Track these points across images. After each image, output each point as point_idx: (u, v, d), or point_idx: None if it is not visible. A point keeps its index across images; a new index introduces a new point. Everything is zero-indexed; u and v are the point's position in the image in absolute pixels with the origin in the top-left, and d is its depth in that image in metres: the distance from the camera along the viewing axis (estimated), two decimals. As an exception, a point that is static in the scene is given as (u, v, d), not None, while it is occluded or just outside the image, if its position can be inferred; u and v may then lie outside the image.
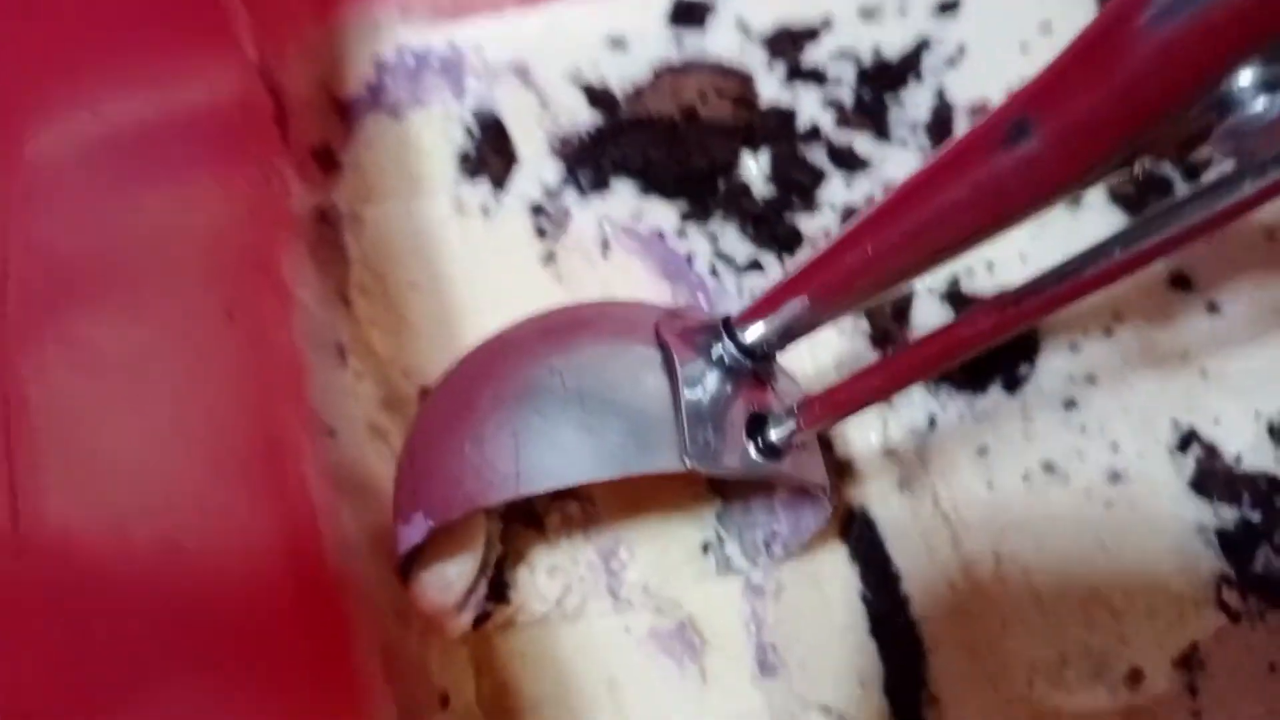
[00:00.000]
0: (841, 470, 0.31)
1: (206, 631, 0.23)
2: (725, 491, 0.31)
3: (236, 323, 0.29)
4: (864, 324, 0.33)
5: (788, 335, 0.25)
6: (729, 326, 0.25)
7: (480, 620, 0.30)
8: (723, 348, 0.25)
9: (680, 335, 0.25)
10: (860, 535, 0.30)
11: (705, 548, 0.31)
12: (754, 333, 0.25)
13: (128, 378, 0.23)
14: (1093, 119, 0.18)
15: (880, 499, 0.31)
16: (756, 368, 0.25)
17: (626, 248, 0.35)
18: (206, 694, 0.22)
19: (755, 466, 0.25)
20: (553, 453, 0.24)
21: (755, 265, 0.34)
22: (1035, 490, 0.30)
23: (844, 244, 0.22)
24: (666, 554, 0.31)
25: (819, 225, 0.34)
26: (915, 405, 0.31)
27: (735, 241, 0.34)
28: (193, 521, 0.24)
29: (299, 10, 0.39)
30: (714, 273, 0.34)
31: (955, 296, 0.33)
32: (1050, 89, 0.18)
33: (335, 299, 0.34)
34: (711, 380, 0.25)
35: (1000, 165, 0.19)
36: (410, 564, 0.28)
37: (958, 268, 0.33)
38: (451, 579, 0.29)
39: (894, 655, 0.29)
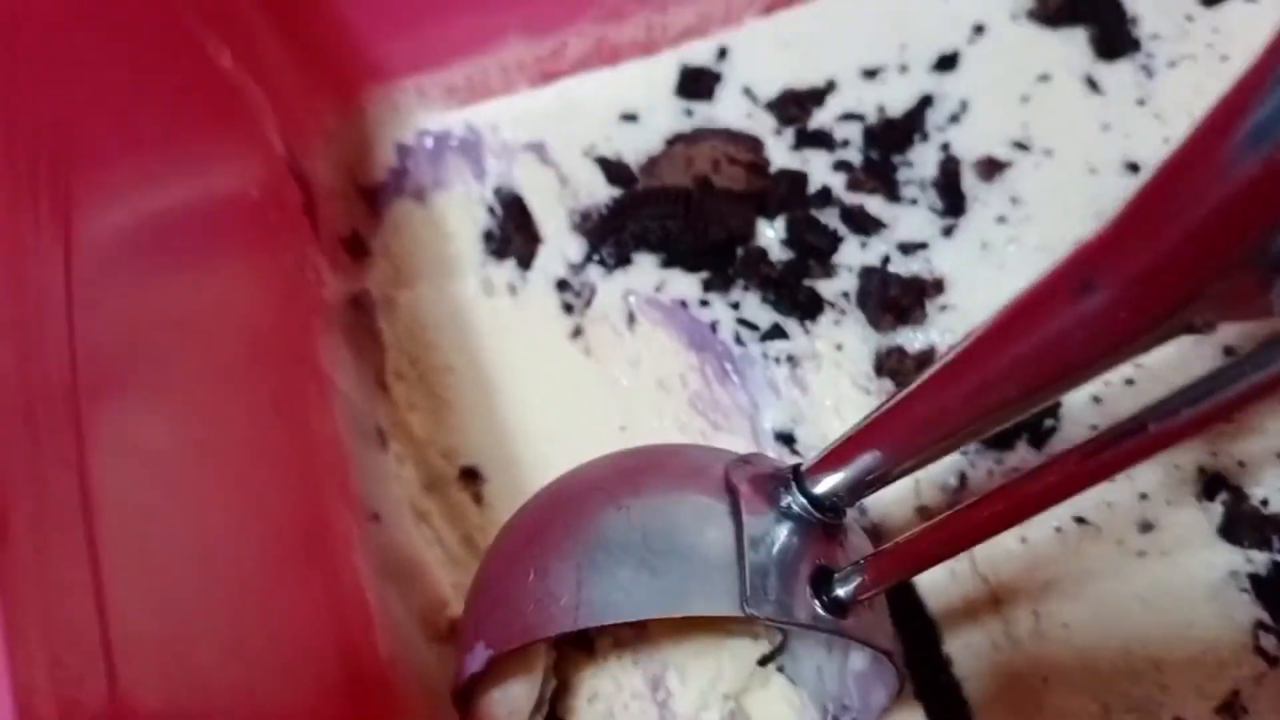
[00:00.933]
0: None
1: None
2: (788, 647, 0.31)
3: (282, 413, 0.30)
4: (888, 383, 0.33)
5: (858, 488, 0.25)
6: (799, 477, 0.25)
7: None
8: (792, 498, 0.25)
9: (750, 482, 0.26)
10: (901, 599, 0.31)
11: (763, 661, 0.31)
12: (824, 485, 0.25)
13: (186, 475, 0.24)
14: (1159, 267, 0.17)
15: (934, 585, 0.31)
16: (825, 520, 0.25)
17: (651, 319, 0.35)
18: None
19: (819, 620, 0.25)
20: (613, 588, 0.25)
21: (778, 331, 0.34)
22: (1069, 543, 0.30)
23: (912, 398, 0.23)
24: (720, 675, 0.31)
25: (837, 289, 0.35)
26: (944, 464, 0.32)
27: (757, 308, 0.35)
28: (256, 621, 0.25)
29: (321, 101, 0.40)
30: (738, 340, 0.34)
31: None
32: (1116, 240, 0.18)
33: (373, 385, 0.35)
34: (779, 530, 0.25)
35: (1067, 321, 0.19)
36: (468, 694, 0.28)
37: (975, 321, 0.34)
38: (509, 713, 0.29)
39: (939, 715, 0.30)
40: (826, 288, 0.35)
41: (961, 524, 0.23)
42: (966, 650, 0.30)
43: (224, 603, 0.24)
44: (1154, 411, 0.20)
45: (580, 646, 0.31)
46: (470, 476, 0.35)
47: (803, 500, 0.25)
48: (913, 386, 0.23)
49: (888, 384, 0.33)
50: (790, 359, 0.34)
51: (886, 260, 0.35)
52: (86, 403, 0.20)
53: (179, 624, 0.21)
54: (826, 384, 0.33)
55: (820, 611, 0.25)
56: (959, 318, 0.34)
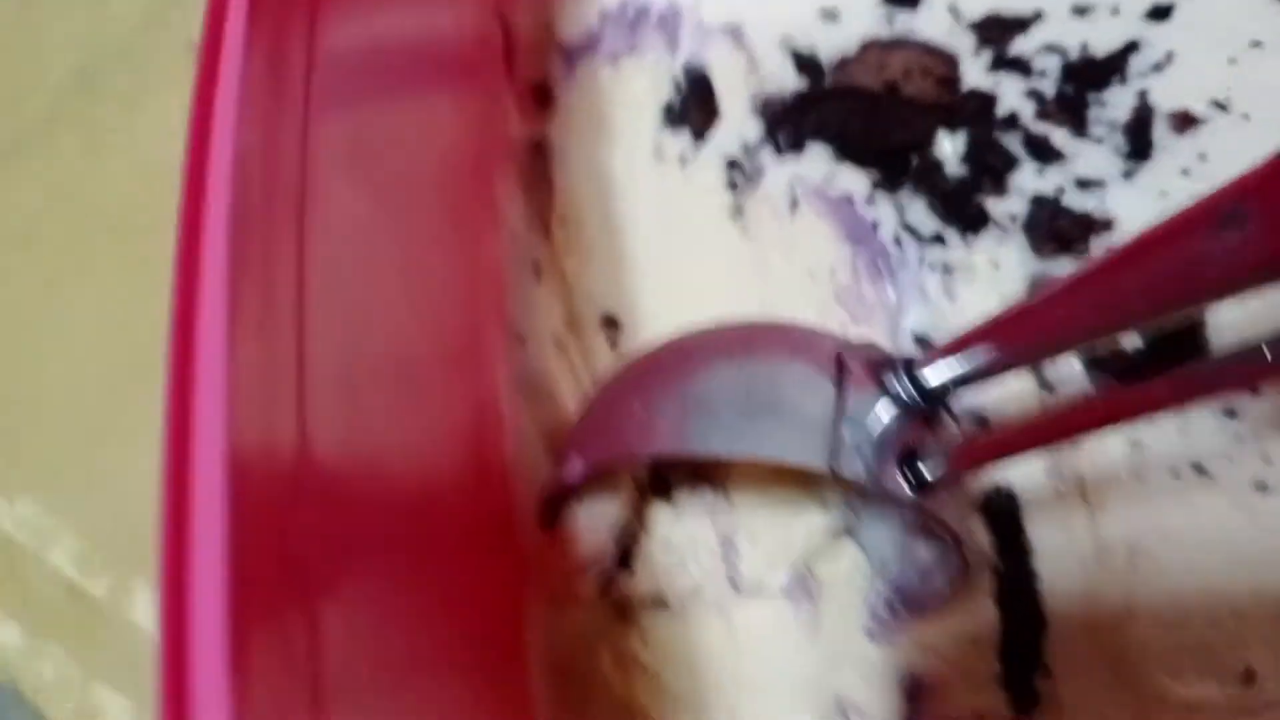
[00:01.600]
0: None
1: (404, 513, 0.26)
2: (854, 531, 0.33)
3: (459, 232, 0.32)
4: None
5: (964, 381, 0.26)
6: (910, 365, 0.27)
7: (605, 586, 0.32)
8: (899, 384, 0.27)
9: (860, 362, 0.27)
10: (1000, 504, 0.32)
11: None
12: (935, 375, 0.26)
13: (377, 264, 0.26)
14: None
15: (1026, 474, 0.32)
16: (926, 409, 0.27)
17: (814, 208, 0.36)
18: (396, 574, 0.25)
19: (898, 491, 0.26)
20: (713, 426, 0.27)
21: (938, 239, 0.35)
22: (1182, 488, 0.30)
23: (1042, 304, 0.24)
24: (790, 543, 0.33)
25: (1006, 210, 0.35)
26: (1074, 387, 0.32)
27: (922, 215, 0.35)
28: (413, 402, 0.27)
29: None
30: (897, 242, 0.35)
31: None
32: (1271, 173, 0.19)
33: (537, 224, 0.37)
34: (878, 409, 0.27)
35: (1211, 245, 0.20)
36: (553, 510, 0.30)
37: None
38: (590, 532, 0.32)
39: (1014, 622, 0.30)
40: (995, 206, 0.35)
41: (1056, 421, 0.24)
42: (1055, 568, 0.31)
43: (391, 380, 0.26)
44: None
45: (661, 494, 0.33)
46: (610, 324, 0.36)
47: (909, 386, 0.26)
48: (1043, 293, 0.23)
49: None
50: (945, 267, 0.34)
51: (1061, 192, 0.35)
52: (310, 186, 0.23)
53: (354, 391, 0.23)
54: (976, 297, 0.34)
55: (902, 484, 0.26)
56: (1120, 259, 0.34)
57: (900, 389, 0.26)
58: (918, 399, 0.26)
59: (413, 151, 0.31)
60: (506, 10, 0.40)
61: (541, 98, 0.40)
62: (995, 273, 0.34)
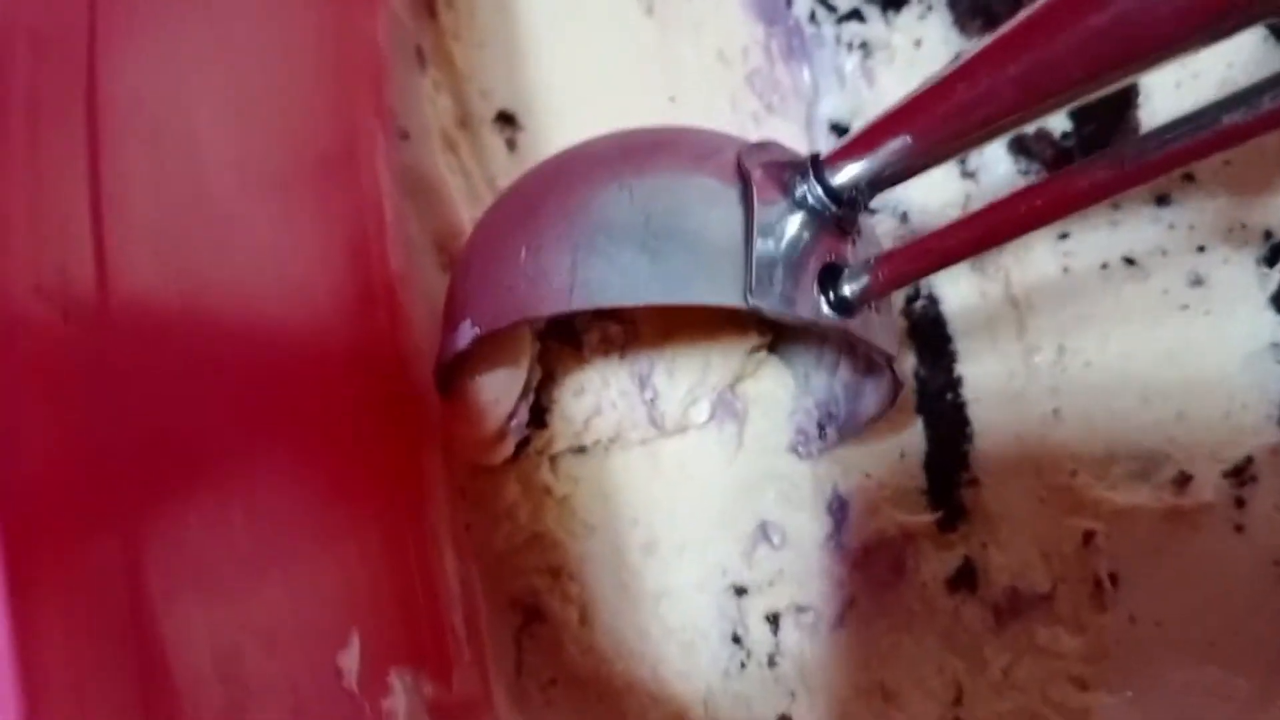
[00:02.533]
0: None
1: (275, 328, 0.23)
2: (778, 347, 0.31)
3: (328, 10, 0.28)
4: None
5: (879, 182, 0.23)
6: (817, 165, 0.23)
7: (519, 446, 0.29)
8: (807, 188, 0.23)
9: (763, 168, 0.24)
10: (923, 311, 0.30)
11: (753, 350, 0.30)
12: (845, 175, 0.23)
13: (204, 58, 0.23)
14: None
15: (949, 276, 0.30)
16: (840, 215, 0.23)
17: (725, -17, 0.33)
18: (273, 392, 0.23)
19: (822, 318, 0.23)
20: (611, 271, 0.23)
21: (856, 15, 0.32)
22: (1112, 282, 0.29)
23: (957, 76, 0.20)
24: (708, 369, 0.30)
25: (931, -19, 0.32)
26: (999, 180, 0.30)
27: (840, -11, 0.32)
28: (266, 216, 0.24)
29: None
30: (812, 18, 0.32)
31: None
32: None
33: (421, 6, 0.33)
34: (790, 221, 0.23)
35: None
36: (450, 378, 0.27)
37: None
38: (494, 399, 0.28)
39: (939, 433, 0.29)
40: (916, -23, 0.32)
41: (986, 222, 0.22)
42: (981, 373, 0.29)
43: (242, 188, 0.23)
44: (1229, 104, 0.18)
45: (566, 340, 0.30)
46: (506, 121, 0.33)
47: (819, 191, 0.23)
48: (957, 65, 0.20)
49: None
50: (864, 46, 0.31)
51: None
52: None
53: (176, 214, 0.20)
54: (896, 79, 0.31)
55: (826, 309, 0.23)
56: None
57: (810, 194, 0.23)
58: (829, 204, 0.23)
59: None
60: None
61: None
62: (916, 52, 0.31)
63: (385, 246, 0.28)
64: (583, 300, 0.23)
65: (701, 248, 0.23)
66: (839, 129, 0.31)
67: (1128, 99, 0.30)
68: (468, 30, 0.34)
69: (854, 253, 0.24)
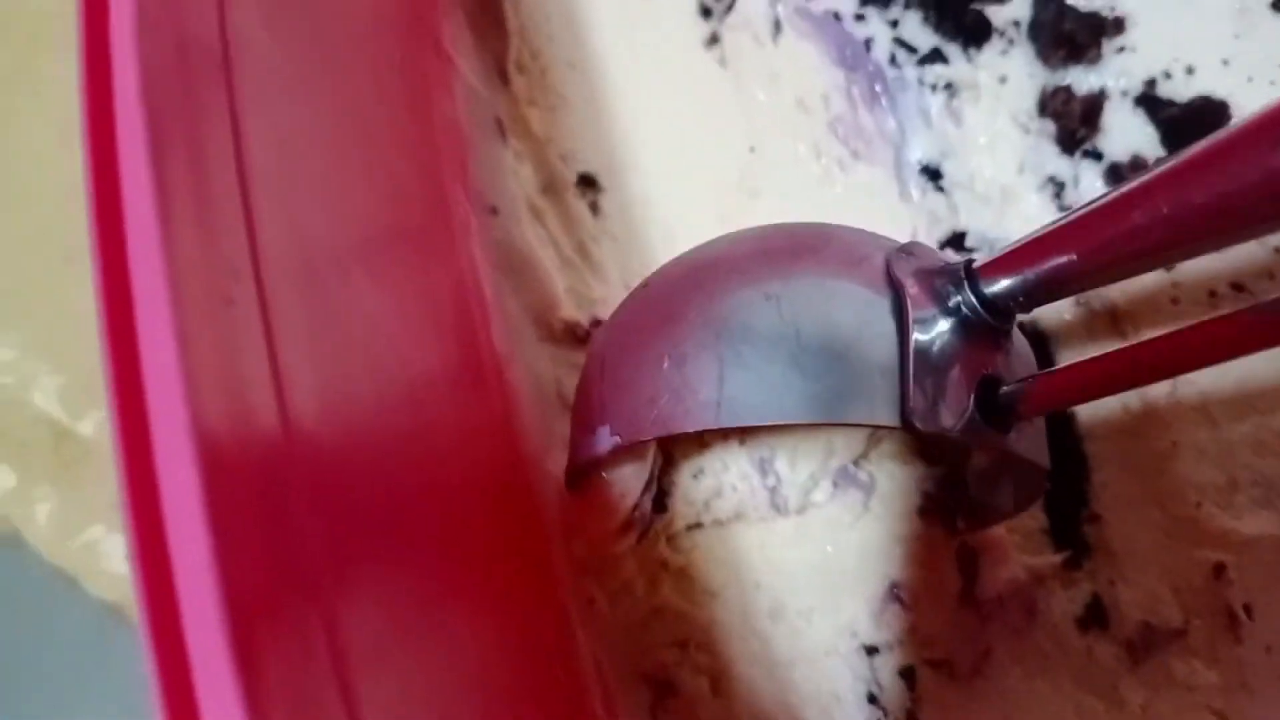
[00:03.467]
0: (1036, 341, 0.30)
1: (409, 422, 0.23)
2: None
3: (406, 88, 0.28)
4: (1049, 125, 0.31)
5: (1037, 295, 0.22)
6: (972, 274, 0.23)
7: (641, 536, 0.29)
8: (962, 298, 0.23)
9: (915, 277, 0.23)
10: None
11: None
12: (1000, 286, 0.22)
13: (320, 144, 0.23)
14: None
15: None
16: (995, 325, 0.23)
17: (799, 30, 0.33)
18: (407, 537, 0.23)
19: (980, 434, 0.22)
20: (761, 387, 0.22)
21: (938, 55, 0.32)
22: (1221, 309, 0.29)
23: (1131, 199, 0.20)
24: (831, 453, 0.30)
25: (1008, 16, 0.32)
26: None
27: (917, 28, 0.32)
28: (385, 299, 0.24)
29: None
30: (893, 61, 0.32)
31: (1150, 100, 0.30)
32: None
33: (494, 75, 0.33)
34: (943, 332, 0.23)
35: None
36: (579, 474, 0.27)
37: (1154, 69, 0.31)
38: (621, 493, 0.28)
39: (1058, 472, 0.29)
40: (996, 14, 0.32)
41: (1147, 355, 0.21)
42: (1094, 409, 0.29)
43: (356, 278, 0.23)
44: None
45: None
46: (588, 184, 0.33)
47: (973, 300, 0.23)
48: (1133, 185, 0.20)
49: (1050, 125, 0.31)
50: (948, 87, 0.31)
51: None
52: (233, 48, 0.19)
53: (317, 299, 0.20)
54: (983, 118, 0.31)
55: (983, 424, 0.23)
56: (1137, 61, 0.31)
57: (964, 304, 0.23)
58: (984, 314, 0.22)
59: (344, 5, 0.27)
60: None
61: (479, -75, 0.35)
62: (1002, 88, 0.31)
63: (489, 327, 0.28)
64: (731, 418, 0.23)
65: (855, 364, 0.22)
66: (929, 171, 0.31)
67: (1222, 121, 0.30)
68: (541, 94, 0.34)
69: (1007, 364, 0.24)
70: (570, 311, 0.31)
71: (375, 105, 0.26)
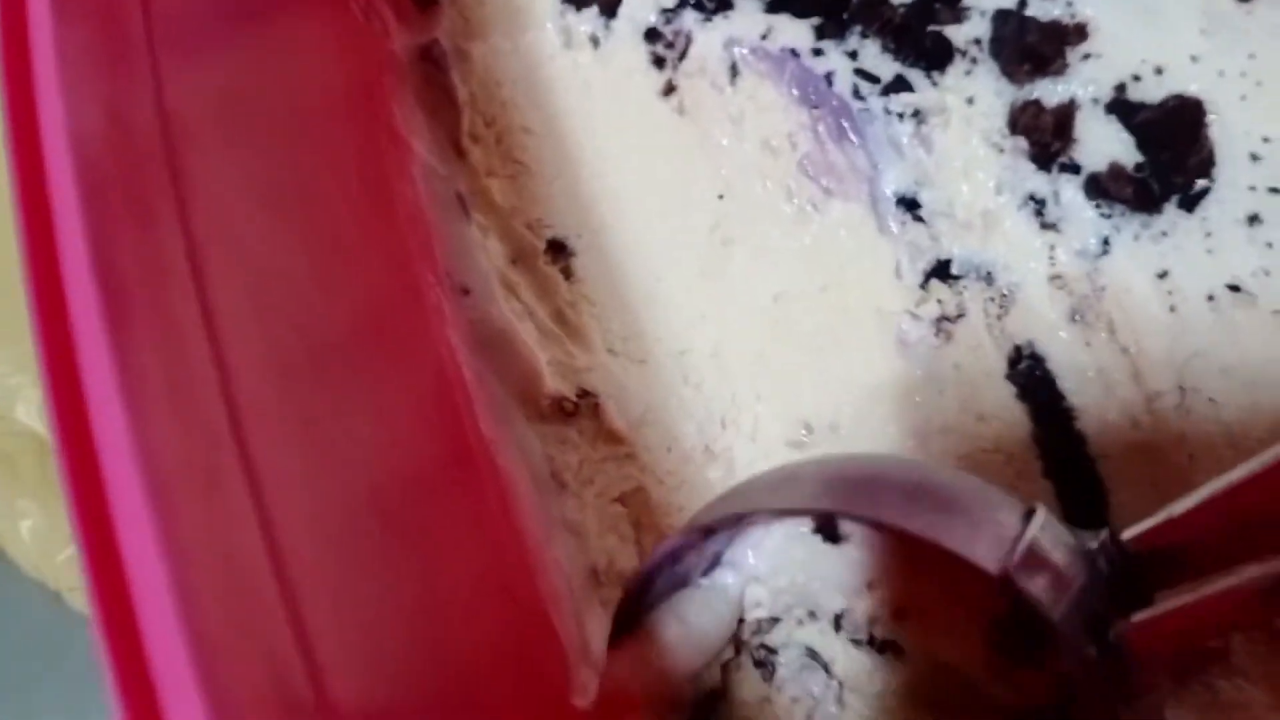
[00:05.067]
0: (1004, 303, 0.29)
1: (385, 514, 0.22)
2: None
3: (365, 178, 0.27)
4: (1023, 142, 0.30)
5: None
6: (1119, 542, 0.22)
7: None
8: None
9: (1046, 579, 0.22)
10: (1029, 372, 0.29)
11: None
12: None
13: (279, 242, 0.22)
14: None
15: (1049, 332, 0.29)
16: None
17: (757, 71, 0.32)
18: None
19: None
20: None
21: (902, 83, 0.31)
22: (1221, 313, 0.28)
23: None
24: None
25: (968, 35, 0.31)
26: (1085, 228, 0.29)
27: (877, 57, 0.31)
28: (361, 391, 0.23)
29: None
30: (856, 94, 0.31)
31: (1122, 105, 0.30)
32: None
33: (449, 149, 0.33)
34: None
35: None
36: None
37: (1123, 73, 0.30)
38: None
39: (1072, 496, 0.28)
40: (955, 34, 0.31)
41: None
42: (1103, 427, 0.28)
43: (331, 374, 0.22)
44: None
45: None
46: (558, 249, 0.32)
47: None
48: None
49: (1023, 142, 0.30)
50: (916, 114, 0.31)
51: (1023, 2, 0.31)
52: (180, 158, 0.18)
53: (292, 394, 0.19)
54: (955, 142, 0.30)
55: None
56: (1104, 68, 0.30)
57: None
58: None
59: (291, 93, 0.26)
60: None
61: (419, -2, 0.35)
62: (970, 109, 0.31)
63: (475, 413, 0.27)
64: None
65: None
66: (906, 202, 0.30)
67: (1197, 119, 0.29)
68: (499, 163, 0.33)
69: None
70: (556, 385, 0.30)
71: (336, 198, 0.25)
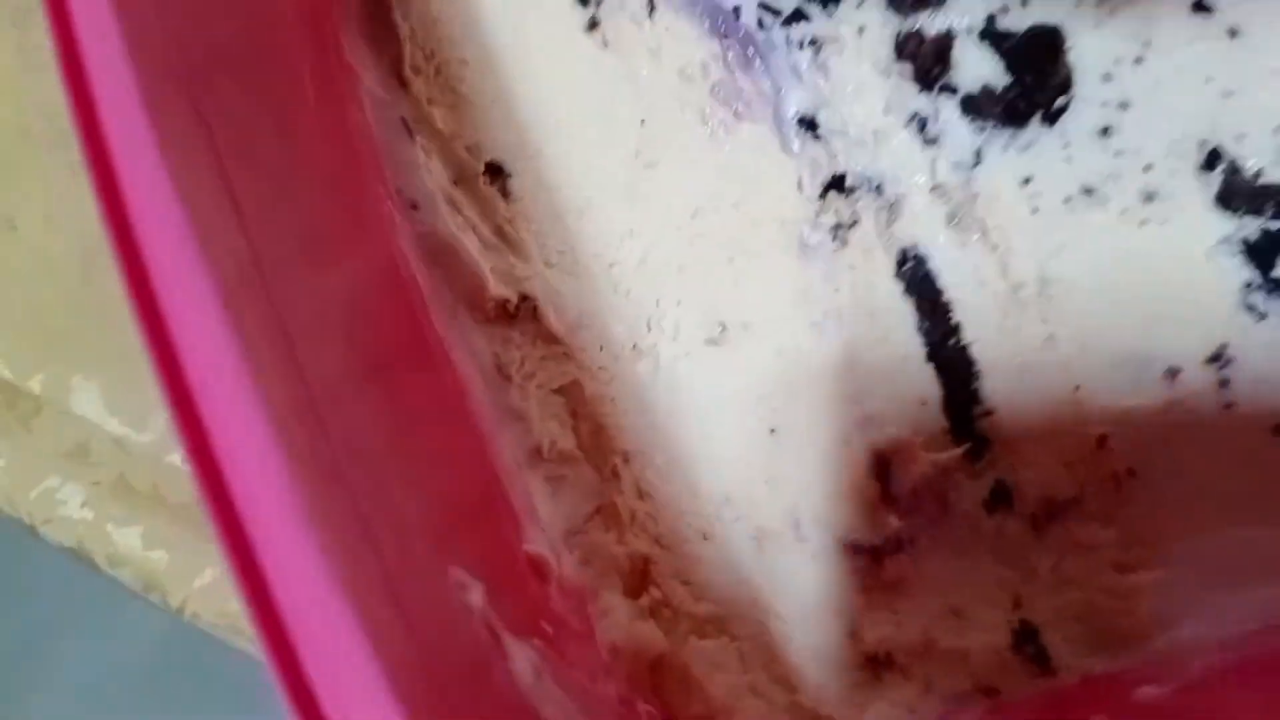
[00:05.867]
0: (892, 210, 0.33)
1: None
2: None
3: (322, 101, 0.30)
4: (907, 67, 0.34)
5: None
6: None
7: None
8: None
9: None
10: (913, 271, 0.33)
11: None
12: None
13: (258, 151, 0.25)
14: None
15: (930, 235, 0.33)
16: None
17: (672, 6, 0.35)
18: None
19: None
20: None
21: (800, 15, 0.34)
22: (1076, 212, 0.32)
23: None
24: None
25: (861, -29, 0.35)
26: (962, 142, 0.33)
27: (779, -11, 0.35)
28: (324, 291, 0.26)
29: None
30: (760, 25, 0.35)
31: (993, 34, 0.34)
32: None
33: (393, 79, 0.35)
34: None
35: None
36: None
37: (993, 6, 0.34)
38: None
39: (950, 377, 0.32)
40: (851, -33, 0.35)
41: None
42: (976, 316, 0.33)
43: (300, 273, 0.25)
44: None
45: None
46: (496, 172, 0.35)
47: None
48: None
49: (907, 67, 0.34)
50: (813, 43, 0.34)
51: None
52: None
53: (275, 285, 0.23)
54: (849, 68, 0.34)
55: None
56: (977, 1, 0.34)
57: None
58: None
59: (255, 28, 0.29)
60: None
61: (359, -60, 0.37)
62: (861, 39, 0.34)
63: (428, 313, 0.31)
64: None
65: None
66: (806, 123, 0.34)
67: (1057, 44, 0.33)
68: (439, 93, 0.36)
69: None
70: (499, 290, 0.33)
71: (298, 119, 0.28)
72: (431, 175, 0.34)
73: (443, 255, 0.33)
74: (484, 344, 0.32)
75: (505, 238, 0.35)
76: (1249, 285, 0.31)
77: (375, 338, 0.28)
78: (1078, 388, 0.32)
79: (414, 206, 0.33)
